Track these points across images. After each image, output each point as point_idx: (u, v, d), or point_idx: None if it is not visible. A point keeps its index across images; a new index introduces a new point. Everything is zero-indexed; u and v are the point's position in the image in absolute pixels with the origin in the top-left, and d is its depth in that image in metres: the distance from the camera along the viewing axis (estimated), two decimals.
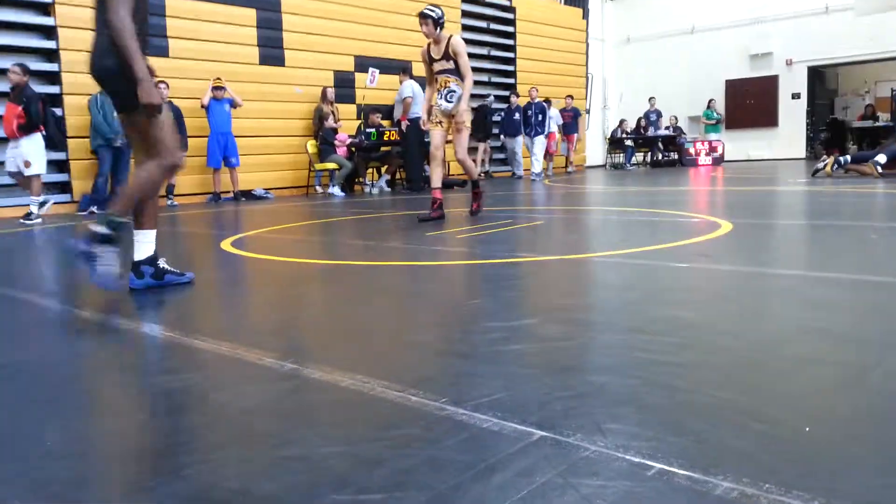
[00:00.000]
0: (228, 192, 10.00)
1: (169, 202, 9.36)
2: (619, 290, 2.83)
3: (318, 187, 11.29)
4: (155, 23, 9.52)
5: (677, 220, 5.24)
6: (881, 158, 8.76)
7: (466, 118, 5.85)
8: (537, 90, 13.36)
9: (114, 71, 2.90)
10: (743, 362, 1.79)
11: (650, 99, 17.07)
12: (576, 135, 15.38)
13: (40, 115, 7.36)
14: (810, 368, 1.71)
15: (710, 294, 2.64)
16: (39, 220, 7.34)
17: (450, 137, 6.13)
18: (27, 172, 7.34)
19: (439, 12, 5.78)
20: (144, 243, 3.06)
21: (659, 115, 16.91)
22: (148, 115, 2.93)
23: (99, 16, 2.94)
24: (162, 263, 3.12)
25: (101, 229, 2.78)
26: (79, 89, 8.64)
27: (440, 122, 5.91)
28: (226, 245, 4.68)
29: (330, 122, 10.79)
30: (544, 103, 13.18)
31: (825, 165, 9.32)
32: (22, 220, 7.36)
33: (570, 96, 15.27)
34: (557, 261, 3.63)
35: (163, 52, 9.61)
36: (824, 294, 2.52)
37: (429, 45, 5.86)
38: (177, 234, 6.00)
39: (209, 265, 4.15)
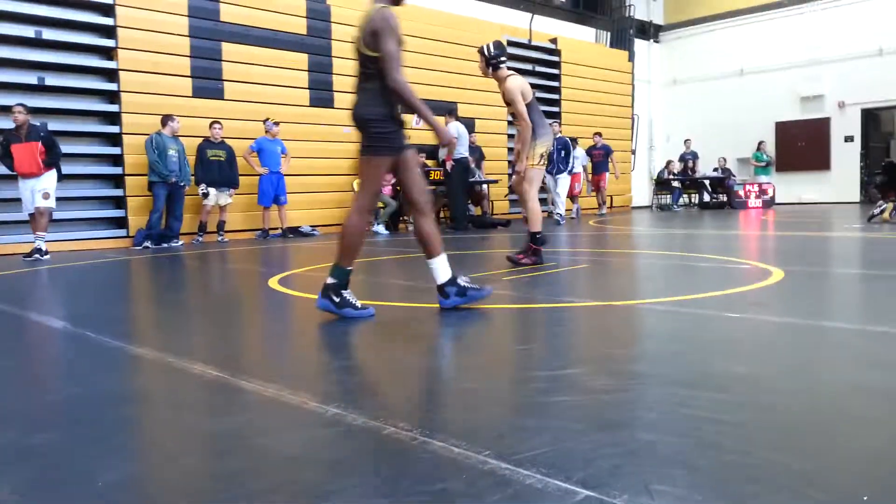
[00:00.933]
0: (277, 228, 10.21)
1: (219, 238, 9.59)
2: (667, 340, 2.78)
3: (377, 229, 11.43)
4: (210, 66, 9.93)
5: (726, 266, 5.13)
6: None
7: (526, 167, 5.25)
8: (559, 124, 12.51)
9: (375, 117, 3.31)
10: (797, 423, 1.73)
11: (686, 141, 16.93)
12: (606, 174, 14.14)
13: (61, 151, 7.67)
14: (868, 431, 1.64)
15: (761, 347, 2.57)
16: (48, 257, 7.51)
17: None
18: (45, 204, 7.52)
19: (491, 49, 5.24)
20: (440, 269, 3.38)
21: (695, 156, 16.71)
22: (449, 148, 3.48)
23: (364, 72, 3.40)
24: (462, 281, 3.40)
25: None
26: (136, 129, 8.99)
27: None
28: (273, 283, 4.76)
29: None
30: (567, 139, 11.96)
31: (882, 211, 9.03)
32: (26, 258, 7.47)
33: (599, 133, 14.26)
34: (603, 307, 3.58)
35: (218, 94, 9.97)
36: (881, 350, 2.43)
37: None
38: (226, 271, 6.14)
39: (257, 304, 4.23)
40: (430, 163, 11.74)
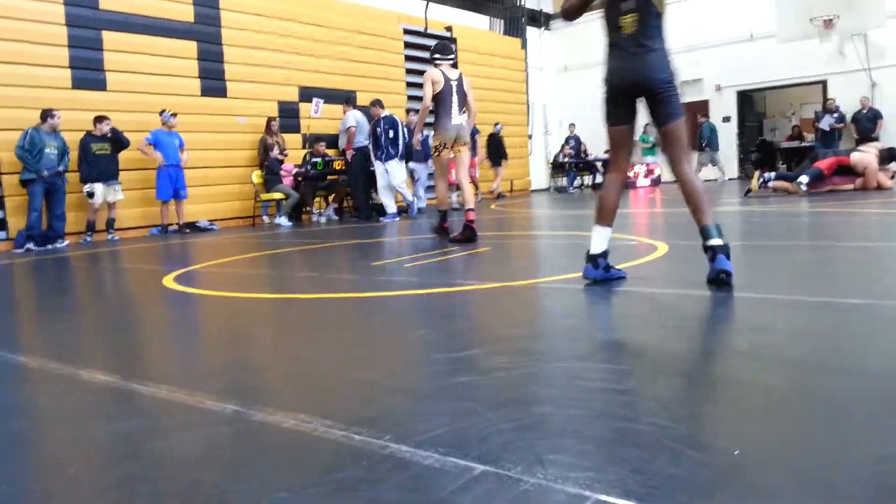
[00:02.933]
0: (173, 224, 9.81)
1: (110, 236, 9.12)
2: (560, 317, 2.90)
3: (265, 217, 11.17)
4: (92, 56, 9.37)
5: (615, 243, 5.37)
6: (804, 179, 9.21)
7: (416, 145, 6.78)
8: (381, 103, 10.40)
9: (671, 82, 3.28)
10: (679, 388, 1.86)
11: (570, 125, 17.58)
12: (475, 157, 12.97)
13: None
14: (745, 391, 1.79)
15: (647, 319, 2.73)
16: None
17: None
18: None
19: (433, 48, 6.46)
20: (603, 238, 3.39)
21: (578, 140, 17.34)
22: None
23: (650, 33, 3.25)
24: (607, 259, 3.39)
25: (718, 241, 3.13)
26: (11, 124, 8.37)
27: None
28: (168, 281, 4.59)
29: (275, 153, 10.74)
30: (396, 119, 10.25)
31: (755, 183, 9.76)
32: None
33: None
34: (500, 288, 3.68)
35: (100, 85, 9.43)
36: (755, 315, 2.64)
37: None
38: (118, 271, 5.86)
39: (150, 303, 4.07)
40: (330, 152, 11.59)
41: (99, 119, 8.88)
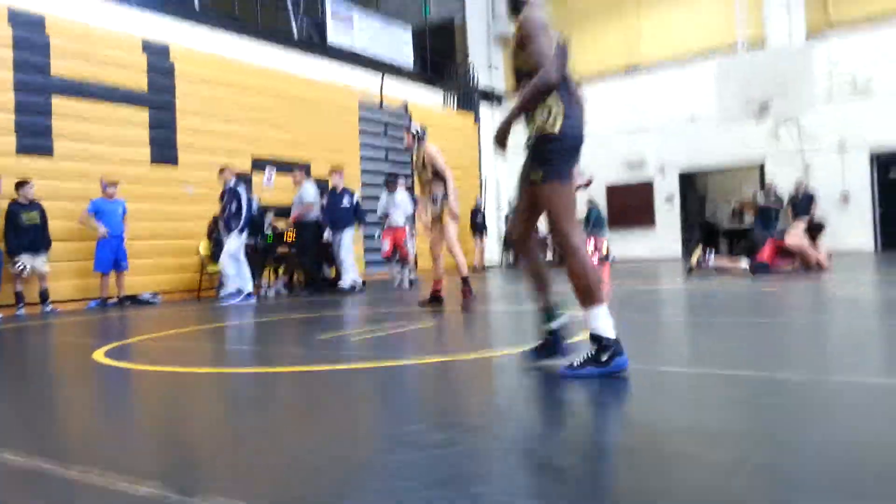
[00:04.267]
0: (113, 297, 9.46)
1: (46, 308, 8.72)
2: (501, 392, 2.85)
3: (217, 290, 10.89)
4: (41, 122, 9.23)
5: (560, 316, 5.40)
6: (745, 263, 9.54)
7: (455, 209, 6.47)
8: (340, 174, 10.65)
9: None
10: (624, 464, 1.83)
11: (510, 201, 18.01)
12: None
13: None
14: (685, 467, 1.77)
15: (589, 394, 2.71)
16: None
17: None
18: None
19: (418, 127, 6.61)
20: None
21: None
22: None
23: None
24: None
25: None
26: None
27: (432, 225, 6.61)
28: (98, 355, 4.39)
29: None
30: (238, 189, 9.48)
31: (694, 260, 10.04)
32: None
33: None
34: (446, 363, 3.63)
35: (47, 151, 9.26)
36: (700, 389, 2.65)
37: (412, 157, 6.70)
38: (48, 345, 5.59)
39: (74, 379, 3.87)
40: (280, 224, 11.49)
41: (20, 184, 8.46)
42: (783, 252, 9.70)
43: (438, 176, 6.46)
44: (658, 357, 3.61)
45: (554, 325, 3.03)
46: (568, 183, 2.89)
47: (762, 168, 16.93)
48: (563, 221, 2.86)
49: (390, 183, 11.20)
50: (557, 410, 2.47)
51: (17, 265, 8.32)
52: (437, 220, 6.55)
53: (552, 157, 2.87)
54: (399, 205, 11.02)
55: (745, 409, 2.35)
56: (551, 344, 3.09)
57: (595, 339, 2.82)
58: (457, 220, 6.56)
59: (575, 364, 2.86)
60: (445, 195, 6.47)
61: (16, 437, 2.45)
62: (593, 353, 2.82)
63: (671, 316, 5.81)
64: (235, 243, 9.26)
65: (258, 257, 10.93)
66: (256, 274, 11.02)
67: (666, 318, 5.67)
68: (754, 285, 7.76)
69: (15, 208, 8.42)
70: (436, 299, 6.59)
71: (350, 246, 10.55)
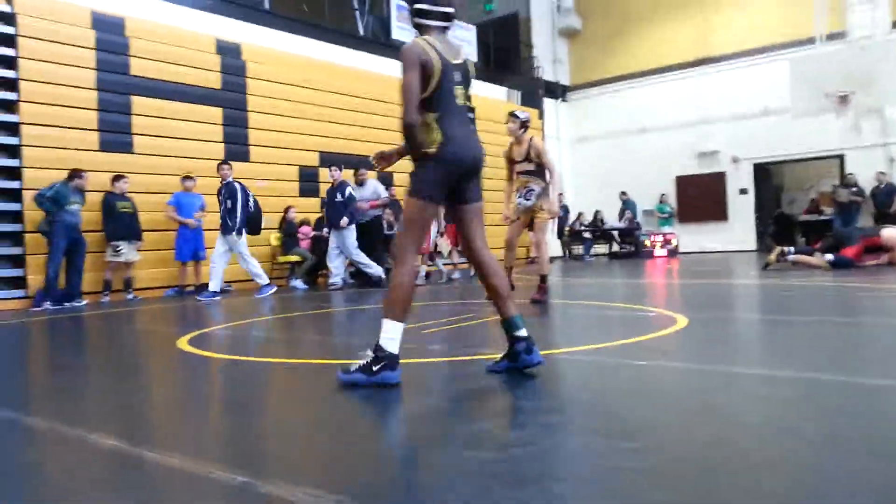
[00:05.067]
0: (190, 285, 9.87)
1: (129, 296, 9.18)
2: (579, 389, 2.84)
3: (287, 280, 11.21)
4: (120, 120, 9.67)
5: (635, 314, 5.33)
6: (829, 257, 9.11)
7: (556, 206, 6.36)
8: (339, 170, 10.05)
9: None
10: (702, 468, 1.80)
11: (621, 192, 17.70)
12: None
13: None
14: (769, 473, 1.72)
15: (667, 394, 2.66)
16: None
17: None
18: None
19: (527, 115, 6.29)
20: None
21: (634, 207, 17.54)
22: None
23: (469, 107, 3.11)
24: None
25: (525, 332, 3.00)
26: (39, 184, 8.54)
27: (518, 218, 6.37)
28: (182, 343, 4.58)
29: (292, 215, 10.98)
30: (236, 186, 9.16)
31: (773, 257, 9.67)
32: None
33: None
34: None
35: (127, 148, 9.69)
36: (777, 393, 2.57)
37: (511, 146, 6.30)
38: (133, 332, 5.86)
39: (163, 366, 4.05)
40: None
41: (116, 178, 9.09)
42: (869, 248, 9.27)
43: (538, 169, 6.25)
44: (731, 358, 3.52)
45: (518, 333, 3.01)
46: (428, 204, 2.97)
47: (841, 160, 16.21)
48: (407, 234, 3.00)
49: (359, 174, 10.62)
50: (637, 411, 2.43)
51: (118, 247, 8.88)
52: (527, 213, 6.33)
53: (421, 175, 2.97)
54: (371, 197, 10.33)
55: (824, 413, 2.27)
56: (514, 351, 3.02)
57: (377, 348, 2.87)
58: (555, 217, 6.47)
59: (351, 369, 2.92)
60: (545, 190, 6.28)
61: (115, 423, 2.58)
62: (368, 361, 2.88)
63: (746, 313, 5.64)
64: (229, 244, 8.96)
65: (325, 248, 11.16)
66: (323, 264, 11.28)
67: (742, 315, 5.51)
68: (839, 281, 7.44)
69: (110, 198, 9.01)
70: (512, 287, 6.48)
71: (354, 241, 9.84)
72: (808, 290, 6.87)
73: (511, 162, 6.37)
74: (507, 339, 3.03)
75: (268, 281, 9.27)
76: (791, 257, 9.57)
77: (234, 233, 8.92)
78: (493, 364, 3.11)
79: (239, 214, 8.93)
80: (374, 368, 2.86)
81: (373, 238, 10.55)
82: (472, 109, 3.07)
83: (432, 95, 2.95)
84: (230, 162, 9.55)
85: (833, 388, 2.60)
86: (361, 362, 2.91)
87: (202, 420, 2.65)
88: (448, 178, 2.97)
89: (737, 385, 2.77)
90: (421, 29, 3.08)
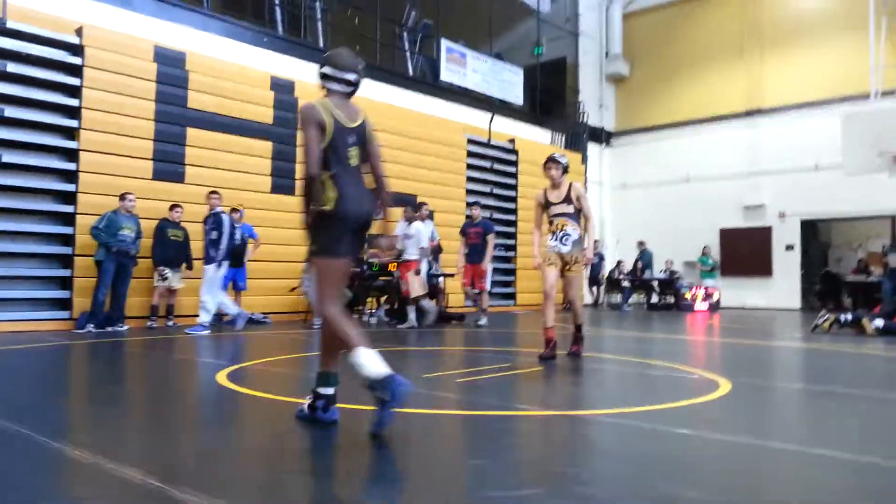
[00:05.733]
0: (229, 315, 10.00)
1: (169, 323, 9.36)
2: (619, 458, 2.77)
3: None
4: (174, 151, 9.98)
5: (675, 374, 5.21)
6: (879, 322, 8.79)
7: (589, 260, 6.07)
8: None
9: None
10: None
11: (639, 242, 17.61)
12: (481, 265, 10.29)
13: None
14: None
15: (711, 470, 2.59)
16: None
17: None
18: None
19: (567, 160, 6.17)
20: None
21: (650, 257, 17.44)
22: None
23: (362, 164, 3.35)
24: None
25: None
26: (92, 209, 8.85)
27: (553, 263, 6.00)
28: (222, 378, 4.63)
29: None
30: (221, 216, 8.83)
31: (824, 321, 9.34)
32: None
33: (477, 202, 11.05)
34: (557, 417, 3.57)
35: (179, 178, 9.98)
36: (824, 476, 2.47)
37: (546, 189, 6.15)
38: (173, 362, 5.95)
39: (204, 402, 4.09)
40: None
41: (172, 207, 9.38)
42: None
43: (576, 213, 6.03)
44: (777, 433, 3.41)
45: (322, 390, 3.21)
46: (335, 258, 3.20)
47: (893, 220, 15.79)
48: (322, 291, 3.23)
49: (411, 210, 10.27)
50: (672, 485, 2.36)
51: (164, 272, 9.13)
52: (563, 261, 5.98)
53: (322, 232, 3.18)
54: (414, 235, 9.82)
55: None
56: (313, 405, 3.24)
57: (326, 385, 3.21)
58: (588, 264, 6.22)
59: (305, 407, 3.25)
60: (581, 238, 6.02)
61: (157, 461, 2.61)
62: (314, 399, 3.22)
63: (789, 381, 5.47)
64: (212, 274, 8.60)
65: (363, 284, 11.25)
66: (361, 300, 11.34)
67: (784, 384, 5.35)
68: (891, 349, 7.19)
69: (164, 225, 9.28)
70: (554, 349, 5.95)
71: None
72: (855, 358, 6.65)
73: (544, 206, 6.15)
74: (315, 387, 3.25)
75: (208, 321, 8.60)
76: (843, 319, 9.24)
77: (215, 264, 8.58)
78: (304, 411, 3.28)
79: (223, 246, 8.60)
80: (319, 406, 3.20)
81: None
82: (361, 168, 3.36)
83: (327, 156, 3.18)
84: (218, 191, 9.14)
85: (874, 470, 2.49)
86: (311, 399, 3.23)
87: (246, 463, 2.65)
88: (345, 232, 3.20)
89: (780, 464, 2.67)
90: (327, 90, 3.35)
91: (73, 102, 9.15)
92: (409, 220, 9.94)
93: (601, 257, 17.02)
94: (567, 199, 6.02)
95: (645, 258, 17.35)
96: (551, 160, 6.11)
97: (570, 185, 6.07)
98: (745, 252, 17.58)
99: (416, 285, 9.77)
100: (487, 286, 10.44)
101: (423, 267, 9.80)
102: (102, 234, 8.46)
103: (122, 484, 2.27)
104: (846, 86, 15.95)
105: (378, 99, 13.17)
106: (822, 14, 17.03)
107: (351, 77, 3.36)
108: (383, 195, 3.44)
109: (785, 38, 17.45)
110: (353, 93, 3.40)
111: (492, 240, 10.34)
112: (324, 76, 3.35)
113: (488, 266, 10.41)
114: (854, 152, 13.75)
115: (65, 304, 8.96)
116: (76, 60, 9.18)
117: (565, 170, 6.10)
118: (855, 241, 19.28)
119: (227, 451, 2.88)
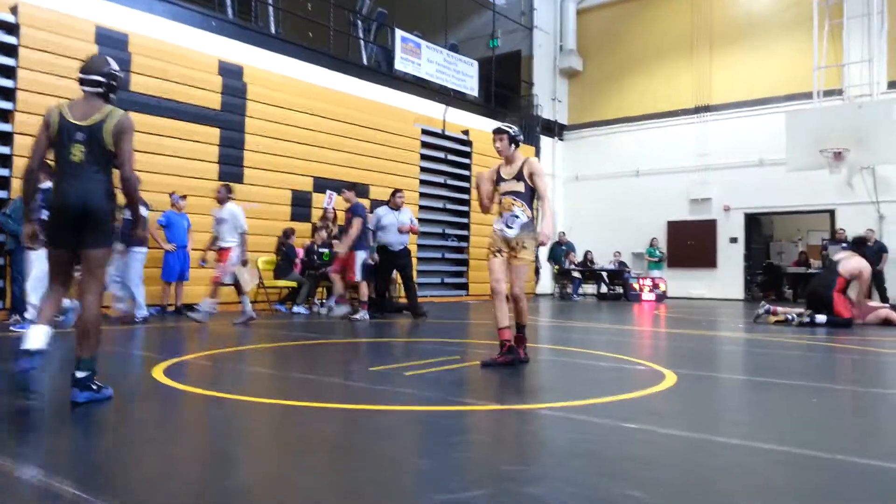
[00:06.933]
0: (171, 305, 9.73)
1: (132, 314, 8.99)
2: (568, 455, 2.75)
3: (281, 307, 11.07)
4: None
5: (622, 366, 5.26)
6: (820, 318, 9.04)
7: (529, 249, 5.07)
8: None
9: (107, 212, 3.48)
10: None
11: (560, 232, 17.91)
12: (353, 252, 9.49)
13: None
14: None
15: (658, 467, 2.58)
16: None
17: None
18: None
19: (516, 129, 5.29)
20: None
21: (571, 248, 17.82)
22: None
23: (97, 160, 3.47)
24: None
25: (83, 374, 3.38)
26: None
27: (499, 251, 5.12)
28: (157, 373, 4.46)
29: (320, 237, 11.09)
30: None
31: (767, 312, 9.59)
32: None
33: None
34: (504, 412, 3.55)
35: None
36: (769, 471, 2.50)
37: (500, 165, 5.30)
38: (110, 355, 5.72)
39: (137, 399, 3.93)
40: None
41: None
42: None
43: (527, 192, 5.14)
44: (722, 427, 3.45)
45: (79, 374, 3.39)
46: (51, 248, 3.50)
47: (832, 214, 16.35)
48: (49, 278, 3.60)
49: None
50: (621, 486, 2.35)
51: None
52: (508, 247, 5.09)
53: (46, 224, 3.55)
54: (228, 220, 8.48)
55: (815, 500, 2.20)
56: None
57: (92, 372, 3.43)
58: (543, 244, 5.17)
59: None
60: (531, 222, 5.11)
61: (75, 469, 2.47)
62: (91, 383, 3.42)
63: (733, 372, 5.59)
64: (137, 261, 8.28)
65: (313, 274, 11.08)
66: (312, 291, 11.18)
67: (728, 375, 5.46)
68: (826, 340, 7.42)
69: None
70: (510, 353, 5.09)
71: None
72: (796, 349, 6.84)
73: (494, 183, 5.29)
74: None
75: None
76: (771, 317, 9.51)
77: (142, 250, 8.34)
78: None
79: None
80: (94, 387, 3.42)
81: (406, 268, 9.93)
82: (91, 164, 3.48)
83: (54, 152, 3.48)
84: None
85: (816, 464, 2.53)
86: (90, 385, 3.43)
87: (166, 468, 2.54)
88: (58, 225, 3.43)
89: (727, 459, 2.70)
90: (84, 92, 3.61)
91: (8, 84, 8.72)
92: (221, 202, 8.48)
93: (570, 247, 17.42)
94: (518, 176, 5.15)
95: (558, 255, 17.63)
96: (496, 130, 5.30)
97: (525, 160, 5.20)
98: (690, 244, 17.99)
99: (245, 277, 8.73)
100: (357, 276, 9.28)
101: (235, 253, 8.36)
102: (11, 220, 7.85)
103: (39, 493, 2.14)
104: (790, 85, 16.41)
105: (331, 87, 12.96)
106: (769, 15, 17.47)
107: (96, 78, 3.56)
108: (128, 194, 3.62)
109: (733, 37, 17.85)
110: (103, 93, 3.59)
111: (357, 224, 9.13)
112: (79, 80, 3.60)
113: (358, 253, 9.23)
114: (797, 149, 14.18)
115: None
116: (11, 40, 8.75)
117: (514, 141, 5.23)
118: (796, 234, 19.93)
119: (150, 454, 2.76)
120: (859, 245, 10.35)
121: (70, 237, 3.42)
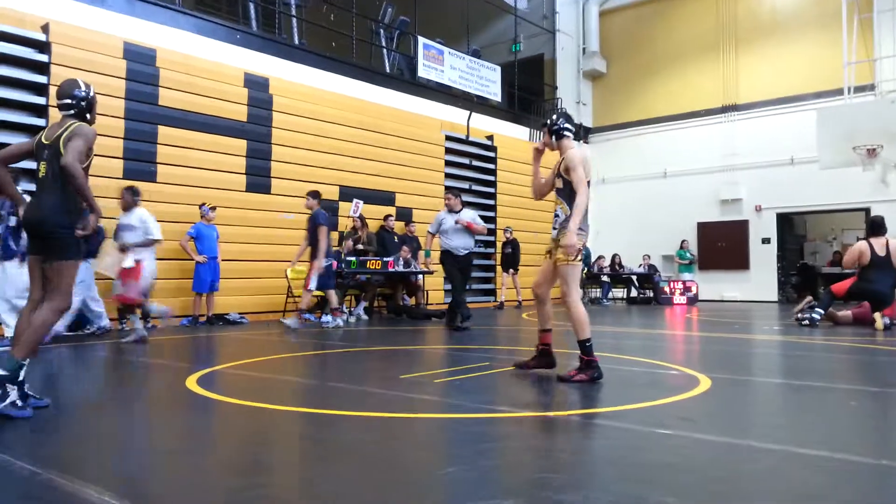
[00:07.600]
0: (203, 315, 9.84)
1: (147, 324, 9.11)
2: (601, 463, 2.70)
3: (309, 316, 11.10)
4: (146, 149, 9.77)
5: (655, 370, 5.18)
6: (886, 320, 8.76)
7: (571, 247, 4.60)
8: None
9: (63, 226, 3.60)
10: None
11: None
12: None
13: None
14: None
15: (695, 475, 2.52)
16: None
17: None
18: None
19: (555, 119, 4.85)
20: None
21: (588, 253, 17.38)
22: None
23: (55, 175, 3.62)
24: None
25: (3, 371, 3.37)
26: None
27: (549, 252, 4.86)
28: (191, 383, 4.50)
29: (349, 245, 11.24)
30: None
31: (811, 307, 9.36)
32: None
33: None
34: (536, 419, 3.50)
35: (150, 177, 9.75)
36: (807, 477, 2.42)
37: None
38: (147, 366, 5.80)
39: (170, 411, 3.96)
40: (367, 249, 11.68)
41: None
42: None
43: (566, 188, 4.75)
44: (759, 432, 3.37)
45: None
46: (27, 258, 3.81)
47: (867, 213, 15.97)
48: None
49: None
50: (657, 494, 2.30)
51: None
52: (556, 248, 4.76)
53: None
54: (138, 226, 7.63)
55: None
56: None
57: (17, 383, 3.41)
58: (571, 255, 4.61)
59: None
60: (568, 219, 4.67)
61: (116, 477, 2.49)
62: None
63: (769, 376, 5.46)
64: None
65: (340, 282, 11.12)
66: (341, 300, 11.21)
67: (764, 378, 5.33)
68: (864, 341, 7.23)
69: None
70: (543, 355, 5.02)
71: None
72: (834, 351, 6.67)
73: (554, 175, 4.95)
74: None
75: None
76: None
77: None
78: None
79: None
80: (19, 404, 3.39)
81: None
82: (51, 180, 3.68)
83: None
84: None
85: (860, 469, 2.45)
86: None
87: (201, 476, 2.54)
88: (28, 236, 3.75)
89: (765, 465, 2.63)
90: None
91: (40, 101, 8.91)
92: (126, 209, 7.75)
93: (587, 252, 17.11)
94: (558, 172, 4.82)
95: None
96: (542, 126, 4.97)
97: (565, 154, 4.77)
98: (722, 246, 17.71)
99: (107, 261, 7.39)
100: (311, 284, 8.96)
101: (150, 266, 7.51)
102: None
103: (68, 498, 2.15)
104: (820, 81, 16.10)
105: (355, 96, 13.04)
106: (795, 11, 17.18)
107: (66, 101, 3.80)
108: (70, 183, 3.61)
109: (759, 34, 17.58)
110: (76, 114, 3.80)
111: (322, 233, 8.97)
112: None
113: (319, 262, 8.95)
114: (828, 146, 13.87)
115: None
116: (43, 58, 8.94)
117: (554, 133, 4.81)
118: (829, 234, 19.51)
119: (186, 464, 2.77)
120: (877, 228, 9.86)
121: (34, 247, 3.71)
